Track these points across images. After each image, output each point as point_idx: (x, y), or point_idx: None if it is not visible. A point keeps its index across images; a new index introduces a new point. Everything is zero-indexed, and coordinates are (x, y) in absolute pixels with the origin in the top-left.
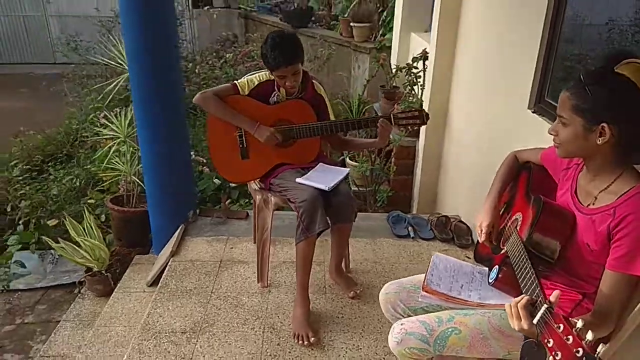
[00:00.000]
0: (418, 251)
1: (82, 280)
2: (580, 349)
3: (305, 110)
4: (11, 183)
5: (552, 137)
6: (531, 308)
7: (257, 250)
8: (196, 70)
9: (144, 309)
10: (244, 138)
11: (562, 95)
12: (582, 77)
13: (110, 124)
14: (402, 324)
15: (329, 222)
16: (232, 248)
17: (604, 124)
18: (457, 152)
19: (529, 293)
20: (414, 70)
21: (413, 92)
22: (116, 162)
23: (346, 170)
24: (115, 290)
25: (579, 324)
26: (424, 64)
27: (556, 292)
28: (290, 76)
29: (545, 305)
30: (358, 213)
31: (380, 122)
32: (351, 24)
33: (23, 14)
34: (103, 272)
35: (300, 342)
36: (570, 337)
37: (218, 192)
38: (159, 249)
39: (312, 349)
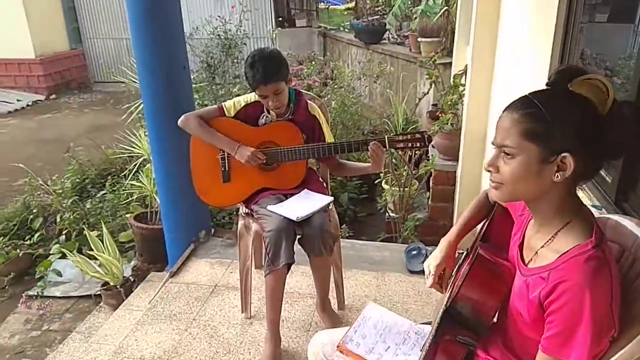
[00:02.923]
0: (429, 291)
1: (98, 293)
2: None
3: (291, 132)
4: (63, 195)
5: (490, 175)
6: None
7: (240, 279)
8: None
9: None
10: (226, 161)
11: (506, 117)
12: (531, 97)
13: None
14: None
15: (306, 254)
16: (231, 273)
17: (566, 154)
18: None
19: None
20: (460, 88)
21: (457, 112)
22: (141, 180)
23: (328, 199)
24: (120, 306)
25: None
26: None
27: None
28: (272, 95)
29: None
30: (383, 242)
31: (370, 146)
32: (419, 39)
33: (126, 36)
34: (117, 287)
35: None
36: None
37: None
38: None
39: None
